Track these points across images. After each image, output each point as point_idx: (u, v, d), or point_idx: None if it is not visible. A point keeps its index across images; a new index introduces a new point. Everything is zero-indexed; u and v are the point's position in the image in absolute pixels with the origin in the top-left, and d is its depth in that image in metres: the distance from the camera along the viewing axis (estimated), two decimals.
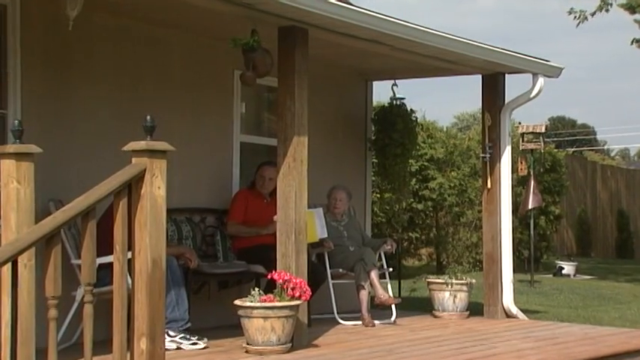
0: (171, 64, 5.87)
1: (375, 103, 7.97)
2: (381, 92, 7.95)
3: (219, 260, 5.96)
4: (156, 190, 3.53)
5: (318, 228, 6.01)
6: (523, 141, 10.75)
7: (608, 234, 18.83)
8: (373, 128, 7.44)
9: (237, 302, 4.88)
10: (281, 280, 4.91)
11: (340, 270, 6.29)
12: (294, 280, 4.91)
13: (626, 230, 18.58)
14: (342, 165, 7.23)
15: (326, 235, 6.16)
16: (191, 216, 5.98)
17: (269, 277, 5.07)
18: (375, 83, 7.63)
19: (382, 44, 5.70)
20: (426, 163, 11.77)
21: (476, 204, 12.01)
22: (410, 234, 11.76)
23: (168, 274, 4.42)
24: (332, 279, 6.23)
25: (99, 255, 3.41)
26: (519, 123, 10.93)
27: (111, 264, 3.49)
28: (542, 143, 10.71)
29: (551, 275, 12.59)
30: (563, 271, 12.65)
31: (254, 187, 6.19)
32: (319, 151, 6.55)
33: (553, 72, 6.80)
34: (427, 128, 12.19)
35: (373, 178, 7.91)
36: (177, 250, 5.28)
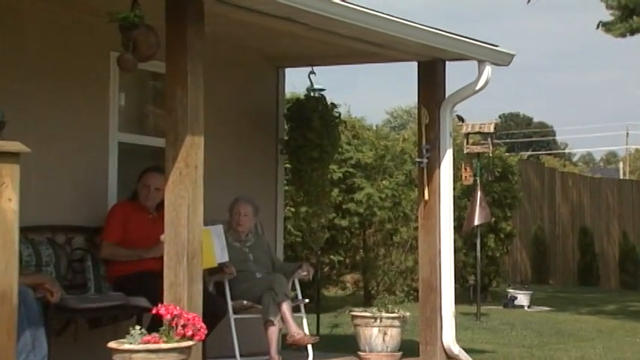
0: (25, 43, 5.74)
1: (288, 95, 8.01)
2: (296, 82, 8.02)
3: (90, 292, 5.88)
4: (5, 203, 3.44)
5: (216, 250, 6.00)
6: (468, 143, 10.98)
7: (568, 256, 19.42)
8: (286, 126, 7.48)
9: (113, 344, 4.80)
10: (169, 316, 4.85)
11: (244, 302, 6.29)
12: (185, 316, 4.87)
13: (590, 252, 19.17)
14: (247, 171, 7.23)
15: (227, 259, 6.16)
16: (53, 236, 5.88)
17: (154, 311, 5.01)
18: (288, 71, 7.67)
19: (295, 22, 5.74)
20: (351, 170, 11.88)
21: (412, 220, 12.19)
22: (331, 257, 11.85)
23: (21, 310, 4.31)
24: (234, 313, 6.23)
25: None
26: (462, 120, 11.16)
27: None
28: (490, 146, 10.95)
29: (501, 307, 12.90)
30: (516, 302, 12.98)
31: (136, 198, 6.13)
32: (219, 154, 6.53)
33: (503, 59, 6.98)
34: (353, 126, 12.33)
35: (286, 187, 7.95)
36: (34, 279, 5.16)
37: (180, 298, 5.03)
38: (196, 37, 5.11)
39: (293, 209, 9.62)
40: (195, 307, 5.05)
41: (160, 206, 5.62)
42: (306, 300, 6.63)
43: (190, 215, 5.07)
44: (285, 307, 6.18)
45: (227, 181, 6.91)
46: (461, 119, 10.98)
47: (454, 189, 7.20)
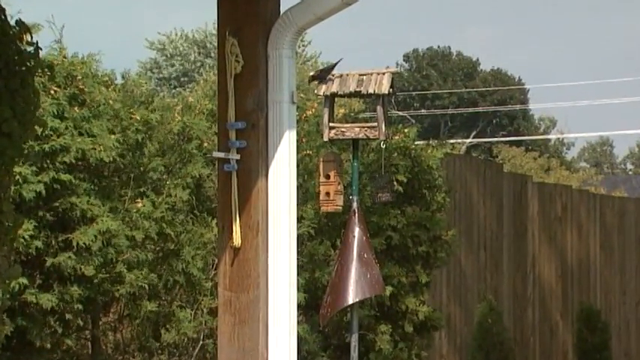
0: None
1: None
2: None
3: None
4: None
5: None
6: (332, 118, 11.20)
7: None
8: None
9: None
10: None
11: None
12: None
13: None
14: None
15: None
16: None
17: None
18: None
19: None
20: (65, 177, 11.90)
21: (205, 291, 12.32)
22: None
23: None
24: None
25: None
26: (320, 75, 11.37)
27: None
28: (383, 124, 11.20)
29: None
30: None
31: None
32: None
33: None
34: (70, 77, 12.33)
35: None
36: None
37: None
38: None
39: None
40: None
41: None
42: None
43: None
44: None
45: None
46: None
47: (301, 221, 7.37)
